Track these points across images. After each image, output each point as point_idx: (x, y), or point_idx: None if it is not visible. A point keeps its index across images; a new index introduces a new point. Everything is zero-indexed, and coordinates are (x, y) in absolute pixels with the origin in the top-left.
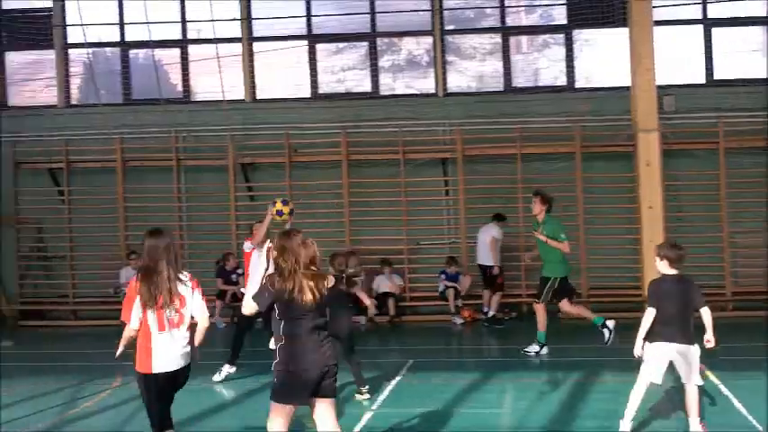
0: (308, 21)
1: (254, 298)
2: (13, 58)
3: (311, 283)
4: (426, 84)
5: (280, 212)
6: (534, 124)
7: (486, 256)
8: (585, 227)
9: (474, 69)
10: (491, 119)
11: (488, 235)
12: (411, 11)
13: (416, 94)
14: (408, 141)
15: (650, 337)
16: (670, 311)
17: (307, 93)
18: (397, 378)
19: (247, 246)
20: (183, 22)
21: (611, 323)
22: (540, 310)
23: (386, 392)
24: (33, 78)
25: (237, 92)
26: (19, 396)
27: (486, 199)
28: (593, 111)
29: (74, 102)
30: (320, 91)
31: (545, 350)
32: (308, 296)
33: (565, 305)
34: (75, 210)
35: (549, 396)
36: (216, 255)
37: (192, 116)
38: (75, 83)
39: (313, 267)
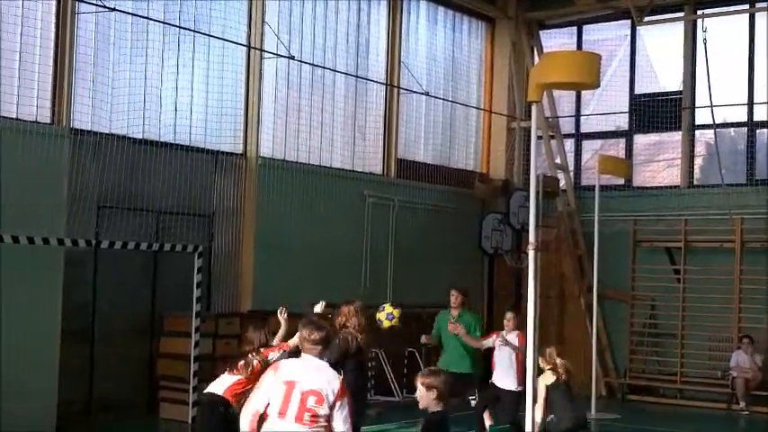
0: None
1: None
2: (638, 140)
3: None
4: None
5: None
6: None
7: None
8: None
9: None
10: None
11: None
12: None
13: None
14: None
15: None
16: None
17: None
18: None
19: None
20: None
21: None
22: None
23: None
24: (655, 160)
25: None
26: None
27: None
28: None
29: (695, 182)
30: None
31: None
32: None
33: None
34: (689, 289)
35: None
36: None
37: None
38: (697, 163)
39: None
